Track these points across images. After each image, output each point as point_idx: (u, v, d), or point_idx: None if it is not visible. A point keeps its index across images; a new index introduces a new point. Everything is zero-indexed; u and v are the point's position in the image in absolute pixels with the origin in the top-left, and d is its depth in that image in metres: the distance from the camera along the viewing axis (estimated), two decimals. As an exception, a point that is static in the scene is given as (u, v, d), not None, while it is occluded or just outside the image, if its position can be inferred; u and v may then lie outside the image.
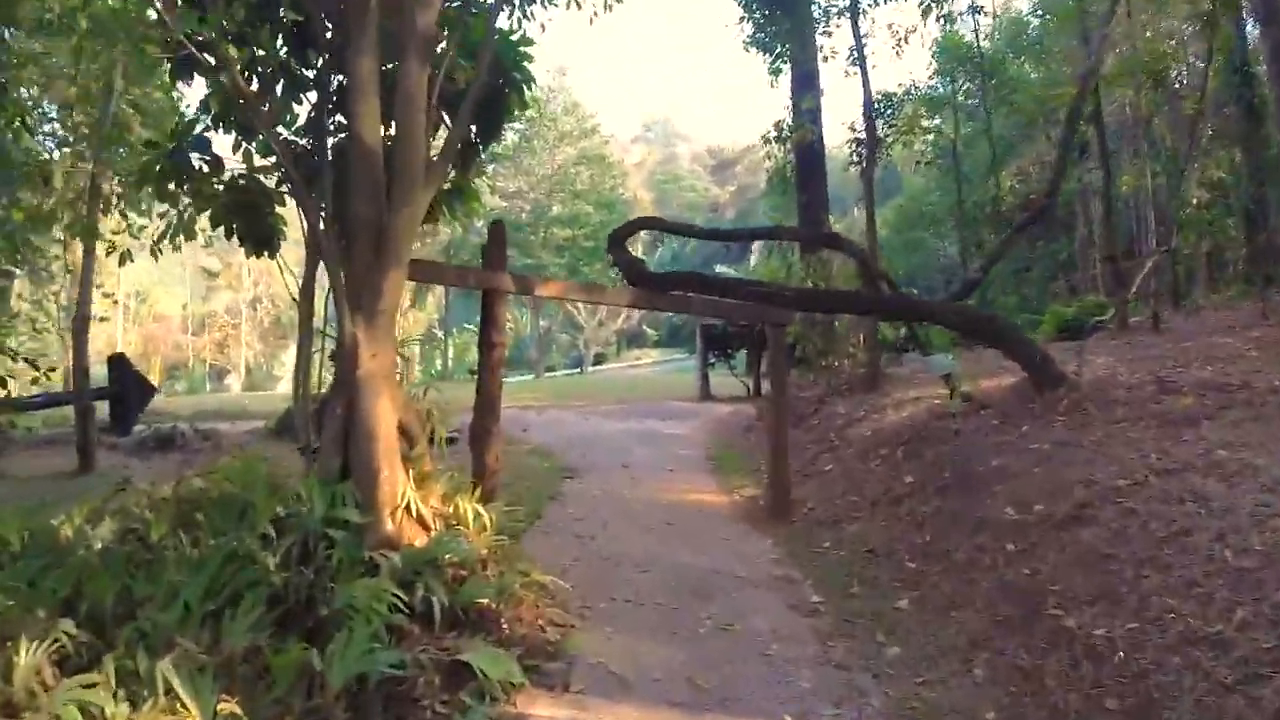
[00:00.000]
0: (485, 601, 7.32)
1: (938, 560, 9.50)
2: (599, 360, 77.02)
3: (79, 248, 19.22)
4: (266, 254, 10.49)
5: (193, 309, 75.78)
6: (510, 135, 66.59)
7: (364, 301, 8.00)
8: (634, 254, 12.49)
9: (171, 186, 9.51)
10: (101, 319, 43.49)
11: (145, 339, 67.15)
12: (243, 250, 10.48)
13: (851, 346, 21.01)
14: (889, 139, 23.54)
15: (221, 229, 10.05)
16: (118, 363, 22.43)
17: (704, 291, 12.63)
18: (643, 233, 70.85)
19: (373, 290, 8.01)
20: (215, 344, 74.48)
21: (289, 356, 72.02)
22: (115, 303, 48.96)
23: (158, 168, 9.37)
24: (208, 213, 9.83)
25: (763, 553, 10.96)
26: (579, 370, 71.86)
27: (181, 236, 10.25)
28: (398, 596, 6.71)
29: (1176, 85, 29.75)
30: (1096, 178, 31.65)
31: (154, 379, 63.78)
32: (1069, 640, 6.87)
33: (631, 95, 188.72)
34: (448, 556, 7.47)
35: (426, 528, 7.96)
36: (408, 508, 7.81)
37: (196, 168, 9.54)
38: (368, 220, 8.16)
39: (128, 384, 21.86)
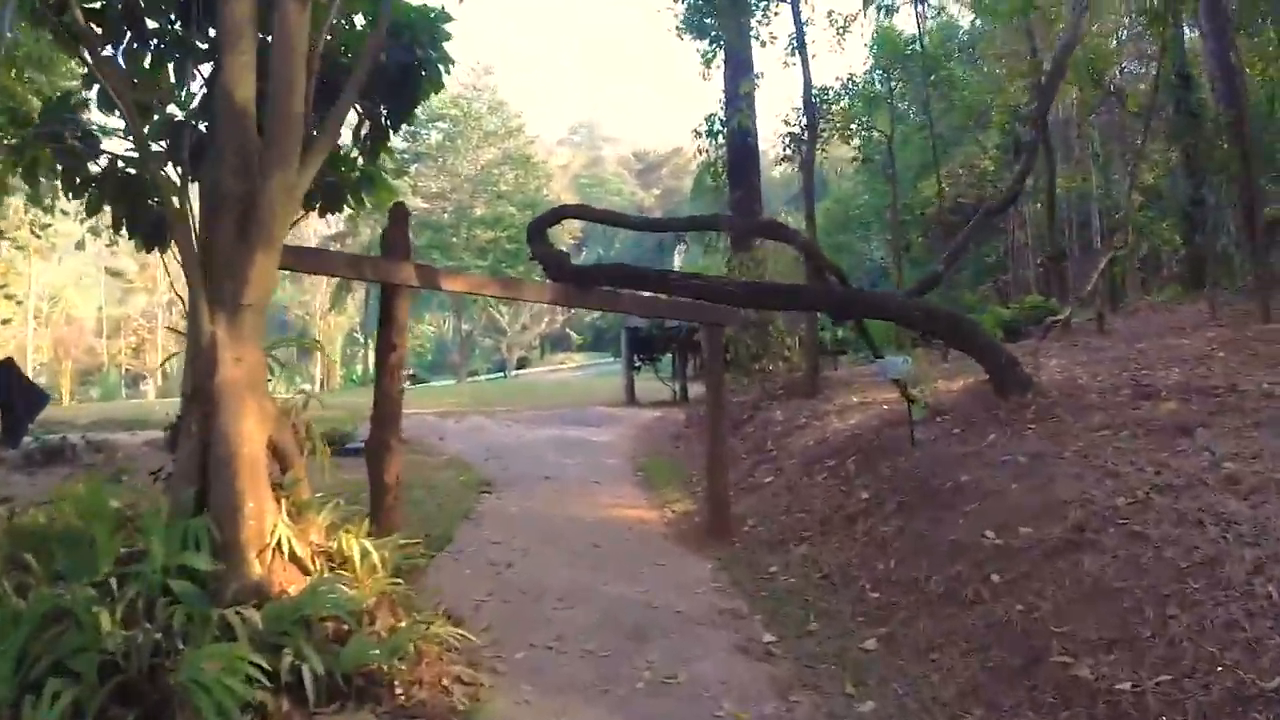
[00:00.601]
0: (374, 664, 5.86)
1: (906, 590, 8.25)
2: (522, 364, 75.50)
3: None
4: (158, 249, 9.17)
5: (107, 312, 73.08)
6: (434, 134, 65.27)
7: (226, 292, 6.44)
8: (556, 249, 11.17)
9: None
10: (3, 321, 41.77)
11: (56, 343, 64.89)
12: (156, 250, 9.18)
13: (786, 349, 19.82)
14: (824, 134, 22.33)
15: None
16: (5, 369, 20.57)
17: (636, 287, 11.32)
18: (565, 235, 70.63)
19: (237, 278, 6.44)
20: (130, 349, 72.02)
21: None
22: (18, 304, 46.51)
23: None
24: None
25: (703, 580, 9.60)
26: (502, 375, 70.30)
27: (87, 235, 9.14)
28: (259, 665, 5.23)
29: (1110, 86, 29.05)
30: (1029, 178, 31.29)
31: (64, 385, 63.20)
32: (1087, 695, 5.67)
33: (557, 99, 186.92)
34: (327, 608, 5.97)
35: (305, 571, 6.45)
36: (279, 546, 6.30)
37: (69, 146, 8.06)
38: (234, 194, 6.56)
39: (15, 392, 20.02)
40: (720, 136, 23.60)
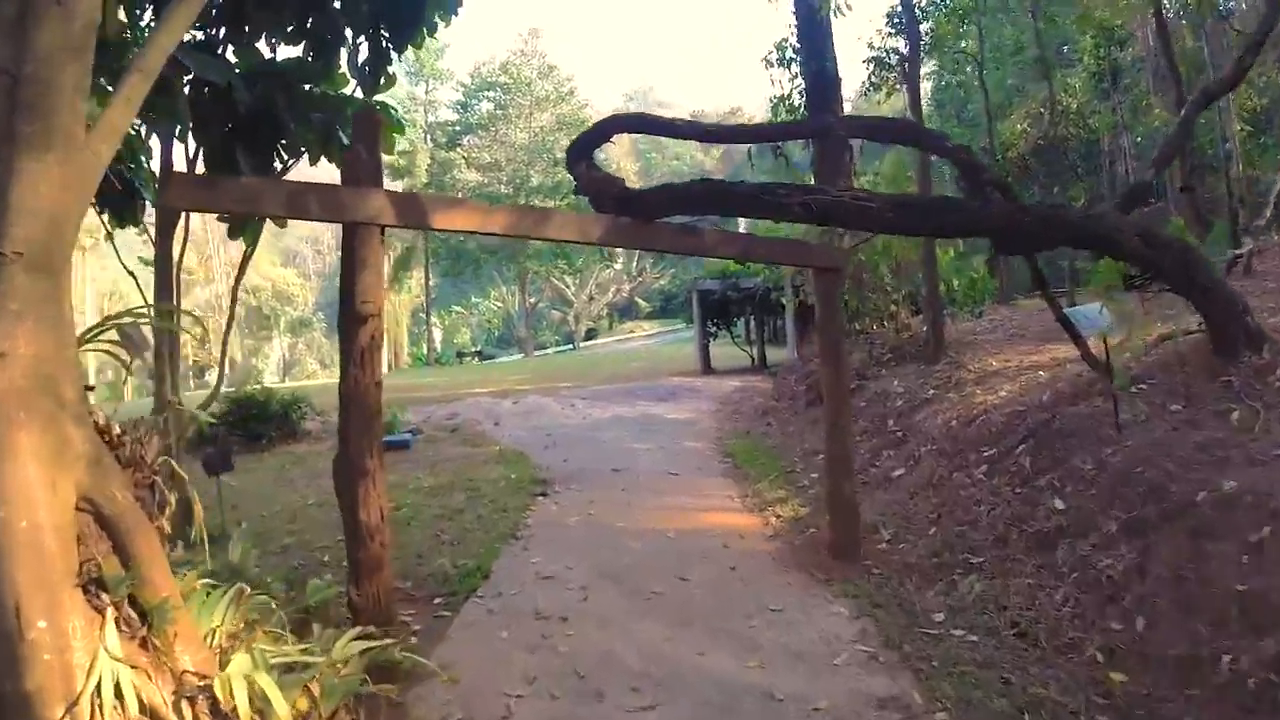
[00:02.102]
0: None
1: (1176, 673, 5.14)
2: (590, 336, 72.69)
3: None
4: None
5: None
6: (484, 104, 62.61)
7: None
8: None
9: None
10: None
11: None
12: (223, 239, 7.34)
13: (892, 304, 16.60)
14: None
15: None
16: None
17: (723, 210, 8.07)
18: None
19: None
20: (194, 340, 69.99)
21: (272, 350, 68.58)
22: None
23: None
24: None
25: (840, 637, 6.45)
26: (570, 347, 67.57)
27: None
28: None
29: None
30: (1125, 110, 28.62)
31: (116, 381, 60.58)
32: None
33: (611, 65, 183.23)
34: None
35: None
36: (117, 694, 3.37)
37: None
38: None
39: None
40: (794, 65, 20.35)
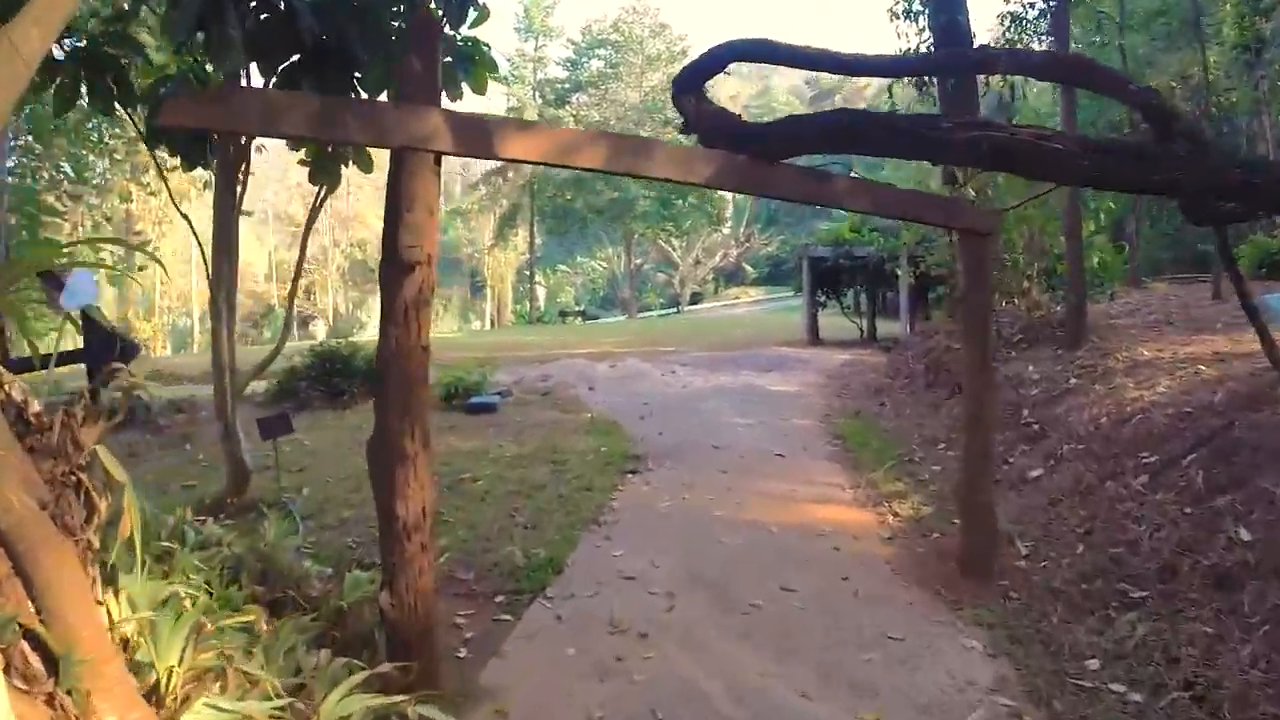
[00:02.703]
0: None
1: None
2: (695, 300, 71.39)
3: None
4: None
5: (279, 256, 72.47)
6: (594, 63, 61.42)
7: None
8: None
9: None
10: (139, 269, 40.11)
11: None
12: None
13: (1026, 279, 15.17)
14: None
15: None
16: (88, 321, 17.42)
17: (866, 145, 6.62)
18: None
19: None
20: (302, 291, 70.78)
21: (375, 303, 68.38)
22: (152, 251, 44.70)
23: None
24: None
25: (974, 683, 5.25)
26: (675, 310, 66.41)
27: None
28: None
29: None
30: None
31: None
32: None
33: (723, 25, 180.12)
34: None
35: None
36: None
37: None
38: None
39: (98, 345, 16.84)
40: (921, 18, 18.81)
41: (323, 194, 9.48)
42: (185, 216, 10.46)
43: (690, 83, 6.18)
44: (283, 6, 6.93)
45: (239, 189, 9.18)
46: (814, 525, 8.59)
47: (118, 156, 28.73)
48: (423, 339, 4.83)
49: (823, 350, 24.62)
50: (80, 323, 16.62)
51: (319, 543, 8.04)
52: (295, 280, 11.31)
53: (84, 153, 27.16)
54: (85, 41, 7.63)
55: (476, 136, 4.96)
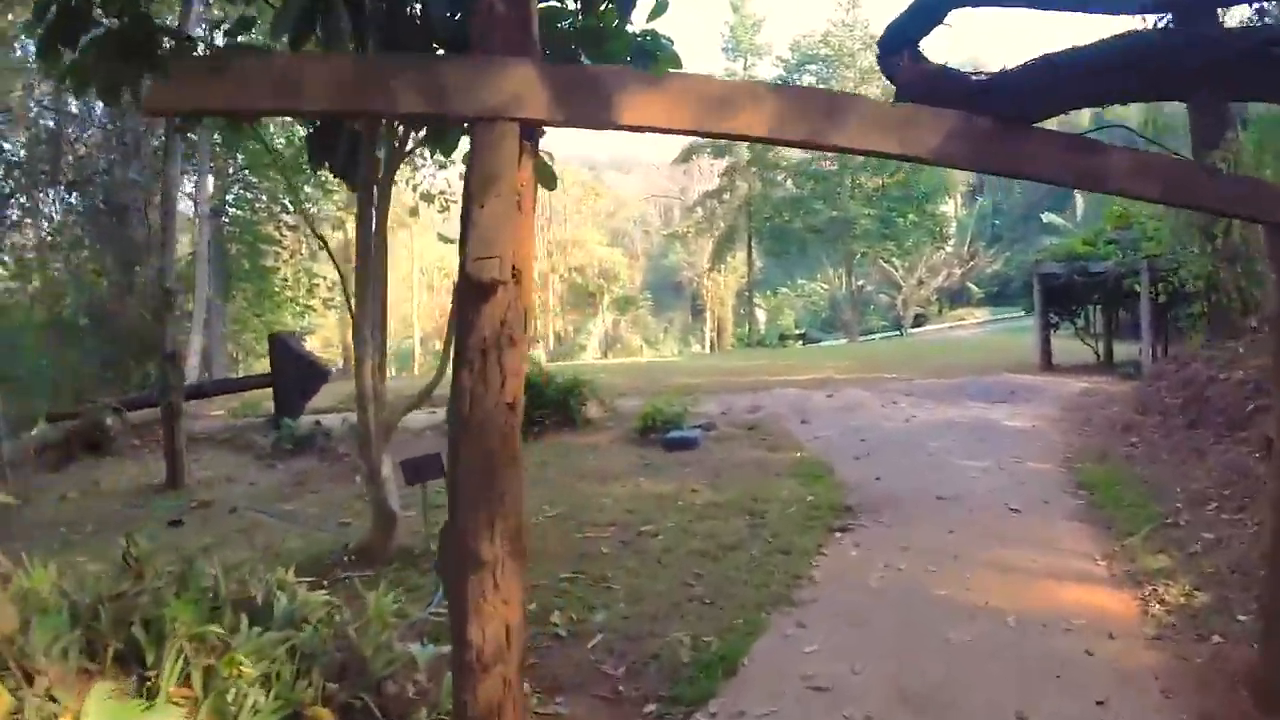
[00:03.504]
0: None
1: None
2: (919, 322, 68.43)
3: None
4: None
5: None
6: (805, 77, 59.45)
7: None
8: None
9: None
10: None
11: (440, 311, 65.14)
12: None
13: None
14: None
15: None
16: (277, 344, 16.98)
17: (1175, 88, 4.73)
18: (960, 183, 63.41)
19: None
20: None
21: (594, 327, 68.53)
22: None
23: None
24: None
25: None
26: (898, 333, 63.82)
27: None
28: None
29: None
30: None
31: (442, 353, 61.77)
32: None
33: (939, 45, 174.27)
34: None
35: None
36: None
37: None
38: None
39: (286, 369, 16.31)
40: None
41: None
42: (322, 239, 9.61)
43: (899, 39, 4.55)
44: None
45: (380, 205, 8.16)
46: (1059, 614, 6.83)
47: (330, 187, 28.75)
48: (507, 393, 3.43)
49: (1056, 376, 22.29)
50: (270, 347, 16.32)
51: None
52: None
53: (296, 184, 27.35)
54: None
55: (581, 97, 3.51)
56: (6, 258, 26.21)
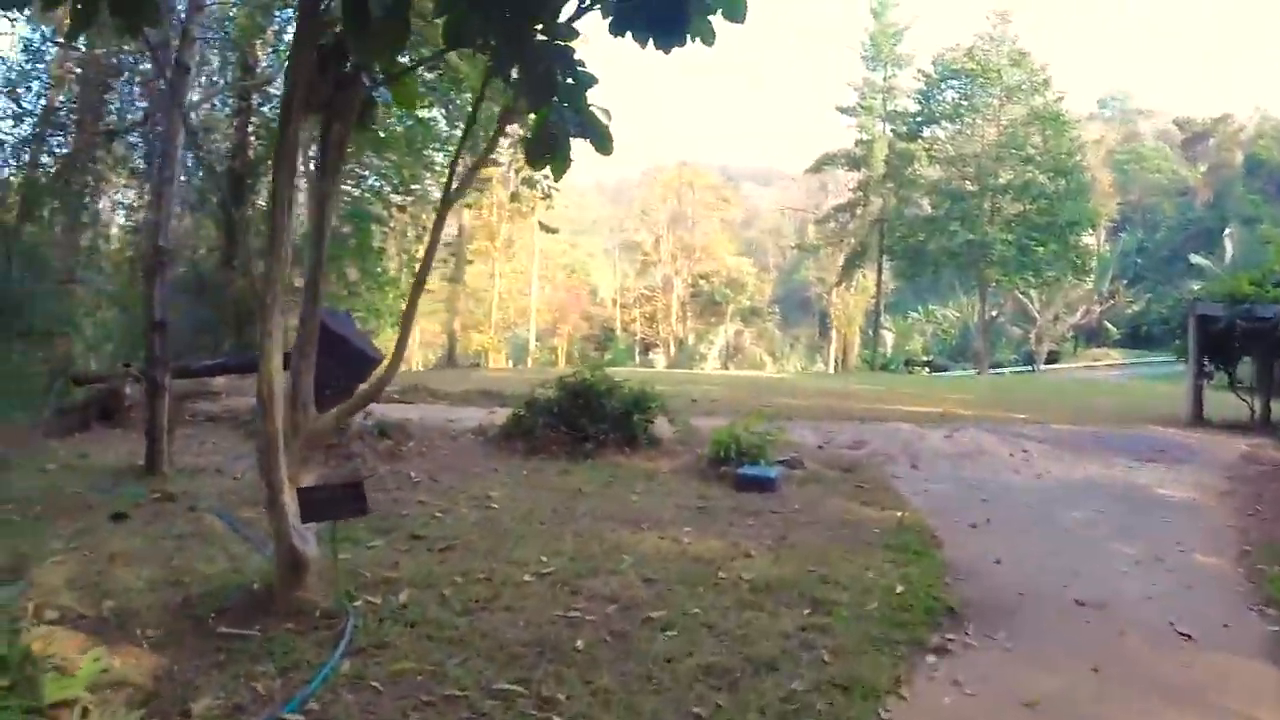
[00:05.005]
0: None
1: None
2: (1052, 359, 63.97)
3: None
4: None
5: (625, 284, 74.73)
6: (948, 93, 55.49)
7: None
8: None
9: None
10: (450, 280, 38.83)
11: (555, 307, 63.55)
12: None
13: None
14: None
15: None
16: (324, 331, 14.40)
17: None
18: (1104, 216, 58.68)
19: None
20: (645, 318, 69.99)
21: (717, 336, 66.57)
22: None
23: None
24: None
25: None
26: (1030, 369, 59.46)
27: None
28: None
29: None
30: None
31: (561, 345, 62.15)
32: None
33: (1084, 63, 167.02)
34: None
35: None
36: None
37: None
38: None
39: (326, 352, 13.62)
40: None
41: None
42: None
43: None
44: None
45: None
46: None
47: (437, 168, 27.23)
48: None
49: (1209, 434, 18.40)
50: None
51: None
52: (412, 306, 7.85)
53: (405, 166, 26.13)
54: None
55: None
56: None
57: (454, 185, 7.40)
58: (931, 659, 6.14)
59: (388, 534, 8.71)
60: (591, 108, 5.47)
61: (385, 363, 6.67)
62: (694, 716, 5.04)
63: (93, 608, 6.35)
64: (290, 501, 6.12)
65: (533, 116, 5.68)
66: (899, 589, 7.42)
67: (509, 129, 10.89)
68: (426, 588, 6.95)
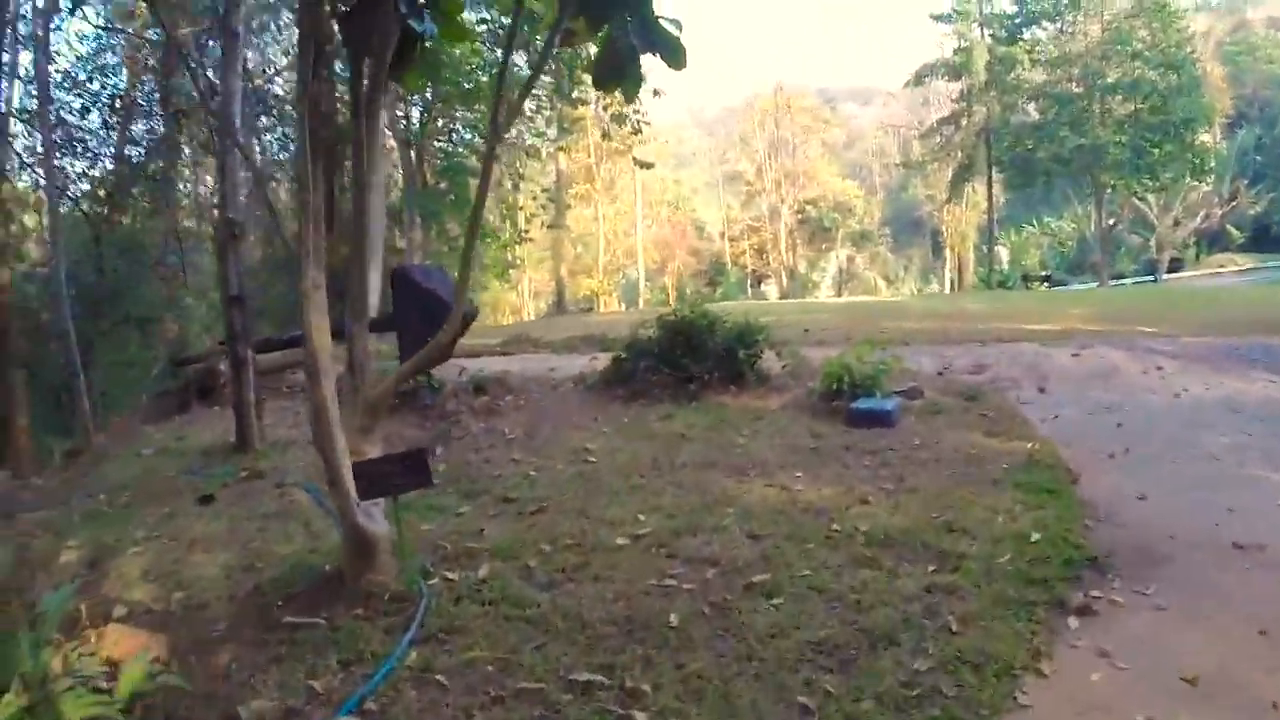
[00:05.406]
0: None
1: None
2: (1174, 267, 60.97)
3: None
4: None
5: (731, 215, 72.71)
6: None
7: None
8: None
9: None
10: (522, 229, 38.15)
11: (660, 244, 62.53)
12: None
13: None
14: None
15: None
16: (399, 279, 13.83)
17: None
18: (1219, 112, 54.90)
19: None
20: (754, 249, 69.23)
21: (828, 263, 65.13)
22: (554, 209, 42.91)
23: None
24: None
25: None
26: (1151, 278, 56.84)
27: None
28: None
29: None
30: None
31: (670, 283, 61.31)
32: None
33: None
34: None
35: None
36: None
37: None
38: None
39: (410, 309, 13.03)
40: None
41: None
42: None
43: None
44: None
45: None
46: None
47: (526, 114, 27.13)
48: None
49: (1350, 343, 17.02)
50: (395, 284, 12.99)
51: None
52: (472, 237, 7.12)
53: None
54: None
55: None
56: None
57: (501, 117, 6.87)
58: (1074, 623, 5.36)
59: (477, 498, 8.24)
60: (660, 19, 4.98)
61: (446, 325, 5.99)
62: (799, 708, 4.40)
63: (163, 600, 6.05)
64: (350, 477, 5.60)
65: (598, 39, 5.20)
66: (1034, 536, 6.61)
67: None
68: (510, 559, 6.44)
